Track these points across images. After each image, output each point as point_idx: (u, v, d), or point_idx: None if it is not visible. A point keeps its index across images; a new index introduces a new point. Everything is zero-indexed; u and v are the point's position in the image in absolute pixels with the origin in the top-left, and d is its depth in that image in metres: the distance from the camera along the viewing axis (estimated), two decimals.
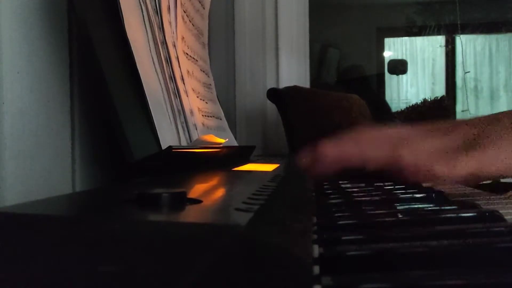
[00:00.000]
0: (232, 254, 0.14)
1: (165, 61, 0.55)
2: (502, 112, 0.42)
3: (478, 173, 0.39)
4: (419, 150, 0.41)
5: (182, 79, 0.60)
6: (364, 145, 0.42)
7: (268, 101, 1.26)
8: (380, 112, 1.68)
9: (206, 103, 0.72)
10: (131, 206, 0.21)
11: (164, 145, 0.45)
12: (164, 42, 0.57)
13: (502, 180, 0.42)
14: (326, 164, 0.42)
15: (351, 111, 1.30)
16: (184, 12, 0.67)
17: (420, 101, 1.24)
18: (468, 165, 0.38)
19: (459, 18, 3.40)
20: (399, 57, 3.93)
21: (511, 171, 0.39)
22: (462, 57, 3.74)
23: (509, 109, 0.43)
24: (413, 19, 3.74)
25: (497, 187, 0.44)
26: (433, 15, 3.66)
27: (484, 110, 3.71)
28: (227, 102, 1.18)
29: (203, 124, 0.65)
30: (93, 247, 0.14)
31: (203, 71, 0.76)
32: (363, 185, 0.46)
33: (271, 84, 1.33)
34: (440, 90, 3.84)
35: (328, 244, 0.22)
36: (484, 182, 0.45)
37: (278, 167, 0.54)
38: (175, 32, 0.62)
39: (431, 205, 0.34)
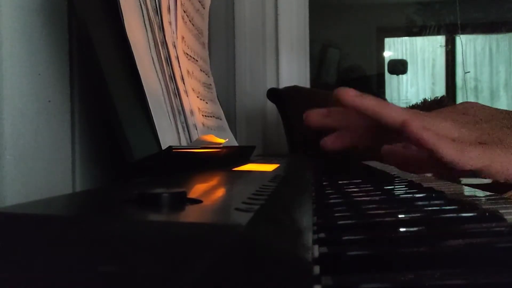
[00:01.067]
0: (232, 254, 0.14)
1: (165, 61, 0.55)
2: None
3: (488, 170, 0.35)
4: (433, 126, 0.38)
5: (182, 79, 0.60)
6: (384, 103, 0.40)
7: (268, 101, 1.26)
8: None
9: (206, 103, 0.72)
10: (131, 206, 0.21)
11: (164, 145, 0.45)
12: (164, 42, 0.57)
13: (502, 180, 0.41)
14: (345, 106, 0.40)
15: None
16: (184, 12, 0.67)
17: (420, 101, 1.24)
18: (480, 157, 0.35)
19: (459, 18, 3.40)
20: (399, 57, 3.93)
21: None
22: (462, 57, 3.74)
23: (509, 109, 0.42)
24: (413, 19, 3.75)
25: (497, 187, 0.43)
26: (433, 15, 3.67)
27: None
28: (227, 102, 1.18)
29: (203, 124, 0.65)
30: (93, 247, 0.14)
31: (203, 71, 0.76)
32: (363, 185, 0.46)
33: (271, 84, 1.33)
34: (440, 90, 3.84)
35: (328, 244, 0.22)
36: (484, 182, 0.45)
37: (278, 167, 0.54)
38: (175, 32, 0.62)
39: (432, 205, 0.34)
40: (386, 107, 0.39)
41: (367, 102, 0.39)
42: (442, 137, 0.36)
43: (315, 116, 0.42)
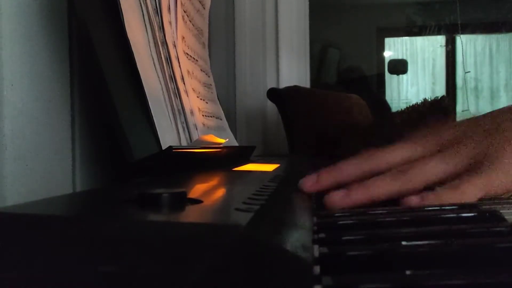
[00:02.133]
0: (232, 254, 0.14)
1: (165, 61, 0.55)
2: (504, 116, 0.39)
3: (487, 194, 0.36)
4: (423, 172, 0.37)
5: (182, 79, 0.60)
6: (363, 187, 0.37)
7: (268, 101, 1.26)
8: (380, 112, 1.68)
9: (207, 103, 0.72)
10: (131, 206, 0.21)
11: (164, 145, 0.45)
12: (164, 42, 0.57)
13: None
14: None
15: (351, 111, 1.30)
16: (184, 12, 0.67)
17: (420, 101, 1.24)
18: (477, 190, 0.35)
19: (459, 18, 3.40)
20: (399, 57, 3.94)
21: None
22: (463, 57, 3.74)
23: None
24: (413, 19, 3.75)
25: None
26: (433, 15, 3.67)
27: (485, 110, 3.70)
28: (227, 102, 1.18)
29: (203, 124, 0.65)
30: (93, 247, 0.14)
31: (203, 71, 0.76)
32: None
33: (271, 84, 1.33)
34: (440, 90, 3.85)
35: (328, 244, 0.22)
36: None
37: (278, 167, 0.54)
38: (175, 32, 0.62)
39: (432, 205, 0.34)
40: (370, 188, 0.37)
41: (355, 198, 0.36)
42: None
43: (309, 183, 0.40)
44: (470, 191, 0.35)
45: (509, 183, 0.36)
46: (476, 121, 0.40)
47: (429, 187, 0.37)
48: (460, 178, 0.36)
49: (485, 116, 0.41)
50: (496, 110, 0.41)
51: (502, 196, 0.39)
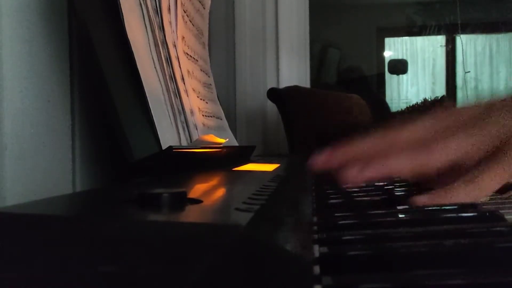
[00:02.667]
0: (232, 254, 0.14)
1: (165, 61, 0.55)
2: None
3: (502, 185, 0.33)
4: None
5: (183, 79, 0.60)
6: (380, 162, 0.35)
7: (269, 101, 1.26)
8: (380, 112, 1.68)
9: (207, 103, 0.72)
10: (132, 206, 0.21)
11: (164, 145, 0.45)
12: (165, 42, 0.57)
13: None
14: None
15: (351, 111, 1.30)
16: (185, 12, 0.67)
17: (420, 101, 1.24)
18: (493, 183, 0.33)
19: (459, 18, 3.40)
20: (400, 57, 3.93)
21: None
22: (463, 57, 3.74)
23: None
24: (413, 19, 3.75)
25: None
26: (434, 15, 3.67)
27: None
28: (227, 102, 1.18)
29: (203, 124, 0.65)
30: (93, 247, 0.14)
31: (204, 71, 0.76)
32: (363, 185, 0.46)
33: (271, 84, 1.33)
34: (440, 90, 3.85)
35: (329, 244, 0.22)
36: None
37: (278, 167, 0.54)
38: (175, 32, 0.62)
39: (432, 205, 0.34)
40: (386, 164, 0.35)
41: (372, 172, 0.34)
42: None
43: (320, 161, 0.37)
44: (488, 184, 0.33)
45: None
46: (501, 102, 0.36)
47: (450, 166, 0.34)
48: (477, 168, 0.34)
49: (509, 97, 0.37)
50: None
51: (503, 196, 0.39)
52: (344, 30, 3.52)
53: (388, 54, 3.90)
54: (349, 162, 0.35)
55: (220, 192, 0.30)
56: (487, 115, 0.35)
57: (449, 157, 0.34)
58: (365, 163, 0.34)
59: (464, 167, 0.35)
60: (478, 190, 0.33)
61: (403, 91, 3.99)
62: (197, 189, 0.30)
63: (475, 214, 0.29)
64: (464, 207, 0.32)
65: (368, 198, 0.40)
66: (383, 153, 0.35)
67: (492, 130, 0.34)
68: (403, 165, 0.35)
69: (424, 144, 0.35)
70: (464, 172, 0.35)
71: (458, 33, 3.59)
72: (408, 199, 0.34)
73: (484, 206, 0.32)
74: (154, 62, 0.51)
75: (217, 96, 0.82)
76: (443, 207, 0.32)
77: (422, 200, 0.33)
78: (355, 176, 0.34)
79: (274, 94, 1.23)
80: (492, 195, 0.41)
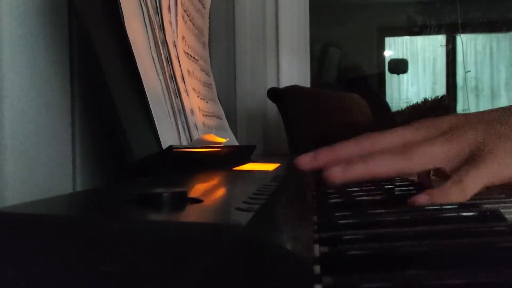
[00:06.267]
0: (232, 254, 0.14)
1: (166, 61, 0.55)
2: (508, 111, 0.39)
3: (489, 184, 0.35)
4: (426, 158, 0.36)
5: (183, 79, 0.60)
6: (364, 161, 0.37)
7: (269, 101, 1.26)
8: (380, 112, 1.68)
9: (207, 102, 0.72)
10: (132, 206, 0.21)
11: (164, 145, 0.45)
12: (165, 41, 0.56)
13: None
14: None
15: (352, 111, 1.30)
16: (185, 11, 0.67)
17: (420, 101, 1.24)
18: (480, 180, 0.35)
19: (459, 17, 3.40)
20: (400, 57, 3.93)
21: None
22: (463, 56, 3.74)
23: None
24: (413, 18, 3.74)
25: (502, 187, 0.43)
26: (434, 14, 3.66)
27: (485, 109, 3.69)
28: (227, 102, 1.18)
29: (203, 124, 0.65)
30: (94, 247, 0.14)
31: (204, 71, 0.76)
32: (364, 184, 0.46)
33: (271, 84, 1.33)
34: (440, 90, 3.84)
35: (329, 243, 0.22)
36: None
37: (278, 166, 0.54)
38: (175, 32, 0.62)
39: (432, 204, 0.34)
40: (372, 164, 0.36)
41: (354, 172, 0.36)
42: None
43: (304, 161, 0.38)
44: (474, 184, 0.35)
45: (505, 173, 0.35)
46: (479, 114, 0.40)
47: (428, 170, 0.36)
48: (462, 170, 0.36)
49: (488, 110, 0.41)
50: (500, 107, 0.41)
51: (503, 196, 0.39)
52: (345, 29, 3.52)
53: (388, 54, 3.90)
54: (334, 162, 0.37)
55: (221, 192, 0.30)
56: (466, 124, 0.38)
57: (428, 161, 0.37)
58: (349, 163, 0.36)
59: (444, 171, 0.37)
60: (465, 188, 0.35)
61: (404, 91, 3.99)
62: (198, 189, 0.30)
63: (475, 213, 0.29)
64: (464, 206, 0.32)
65: (368, 198, 0.40)
66: (366, 155, 0.37)
67: (469, 137, 0.37)
68: (385, 166, 0.36)
69: (407, 148, 0.37)
70: (447, 175, 0.37)
71: (459, 33, 3.59)
72: (408, 199, 0.35)
73: (484, 205, 0.32)
74: (154, 62, 0.51)
75: (217, 95, 0.82)
76: (443, 207, 0.32)
77: (420, 199, 0.34)
78: (338, 176, 0.35)
79: (275, 93, 1.23)
80: (492, 195, 0.41)
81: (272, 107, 1.29)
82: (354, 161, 0.36)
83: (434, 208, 0.32)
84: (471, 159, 0.36)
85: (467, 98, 3.69)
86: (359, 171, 0.36)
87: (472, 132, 0.37)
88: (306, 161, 0.38)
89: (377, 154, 0.37)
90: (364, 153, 0.38)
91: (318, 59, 3.27)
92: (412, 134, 0.39)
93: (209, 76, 0.79)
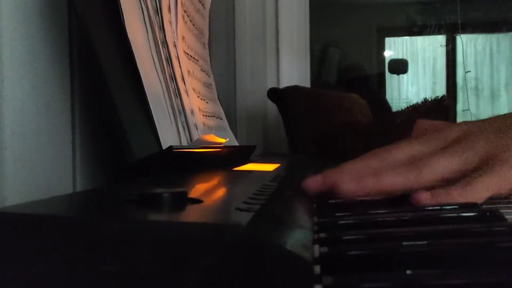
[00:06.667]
0: (233, 254, 0.14)
1: (166, 61, 0.55)
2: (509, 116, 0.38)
3: (496, 192, 0.35)
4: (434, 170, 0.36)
5: (183, 79, 0.60)
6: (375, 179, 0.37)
7: (269, 101, 1.26)
8: (381, 112, 1.68)
9: (207, 103, 0.72)
10: (132, 206, 0.21)
11: (164, 145, 0.45)
12: (165, 42, 0.57)
13: None
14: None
15: (352, 111, 1.30)
16: (185, 12, 0.67)
17: (420, 101, 1.24)
18: (488, 188, 0.34)
19: (459, 18, 3.40)
20: (400, 57, 3.93)
21: None
22: (463, 57, 3.74)
23: (510, 108, 0.41)
24: (413, 19, 3.75)
25: None
26: (434, 14, 3.67)
27: (485, 109, 3.71)
28: (227, 102, 1.18)
29: (203, 124, 0.65)
30: (94, 247, 0.14)
31: (204, 71, 0.76)
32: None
33: (271, 84, 1.33)
34: (440, 90, 3.85)
35: (329, 243, 0.22)
36: None
37: (278, 167, 0.54)
38: (175, 32, 0.62)
39: (432, 204, 0.34)
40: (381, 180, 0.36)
41: (367, 187, 0.36)
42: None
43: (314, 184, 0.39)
44: (480, 190, 0.35)
45: None
46: (487, 121, 0.39)
47: (440, 183, 0.36)
48: (471, 176, 0.35)
49: (496, 117, 0.40)
50: (507, 114, 0.40)
51: (503, 196, 0.39)
52: (345, 29, 3.52)
53: (388, 54, 3.90)
54: (344, 179, 0.37)
55: (221, 192, 0.30)
56: (474, 134, 0.38)
57: (438, 174, 0.36)
58: (360, 179, 0.36)
59: (454, 182, 0.36)
60: (472, 193, 0.34)
61: (404, 91, 3.99)
62: (198, 189, 0.30)
63: (475, 214, 0.29)
64: (464, 207, 0.32)
65: (368, 198, 0.40)
66: (375, 171, 0.37)
67: (477, 147, 0.37)
68: (396, 182, 0.36)
69: (415, 162, 0.37)
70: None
71: (459, 33, 3.59)
72: (409, 198, 0.35)
73: (484, 206, 0.32)
74: (154, 62, 0.51)
75: (218, 96, 0.82)
76: (443, 207, 0.32)
77: (423, 197, 0.34)
78: (351, 188, 0.36)
79: (275, 94, 1.23)
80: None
81: (272, 107, 1.29)
82: (367, 177, 0.36)
83: (434, 208, 0.32)
84: (481, 167, 0.36)
85: (467, 98, 3.69)
86: (371, 187, 0.36)
87: (482, 143, 0.37)
88: (315, 182, 0.38)
89: (390, 170, 0.37)
90: (373, 169, 0.38)
91: (318, 59, 3.27)
92: (419, 148, 0.39)
93: (209, 76, 0.79)
